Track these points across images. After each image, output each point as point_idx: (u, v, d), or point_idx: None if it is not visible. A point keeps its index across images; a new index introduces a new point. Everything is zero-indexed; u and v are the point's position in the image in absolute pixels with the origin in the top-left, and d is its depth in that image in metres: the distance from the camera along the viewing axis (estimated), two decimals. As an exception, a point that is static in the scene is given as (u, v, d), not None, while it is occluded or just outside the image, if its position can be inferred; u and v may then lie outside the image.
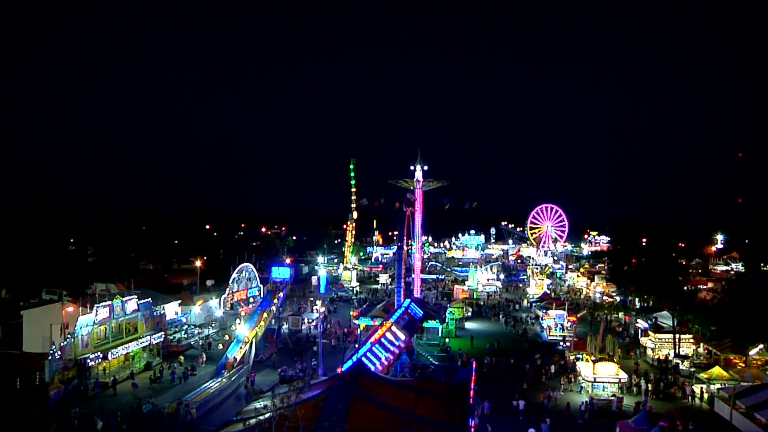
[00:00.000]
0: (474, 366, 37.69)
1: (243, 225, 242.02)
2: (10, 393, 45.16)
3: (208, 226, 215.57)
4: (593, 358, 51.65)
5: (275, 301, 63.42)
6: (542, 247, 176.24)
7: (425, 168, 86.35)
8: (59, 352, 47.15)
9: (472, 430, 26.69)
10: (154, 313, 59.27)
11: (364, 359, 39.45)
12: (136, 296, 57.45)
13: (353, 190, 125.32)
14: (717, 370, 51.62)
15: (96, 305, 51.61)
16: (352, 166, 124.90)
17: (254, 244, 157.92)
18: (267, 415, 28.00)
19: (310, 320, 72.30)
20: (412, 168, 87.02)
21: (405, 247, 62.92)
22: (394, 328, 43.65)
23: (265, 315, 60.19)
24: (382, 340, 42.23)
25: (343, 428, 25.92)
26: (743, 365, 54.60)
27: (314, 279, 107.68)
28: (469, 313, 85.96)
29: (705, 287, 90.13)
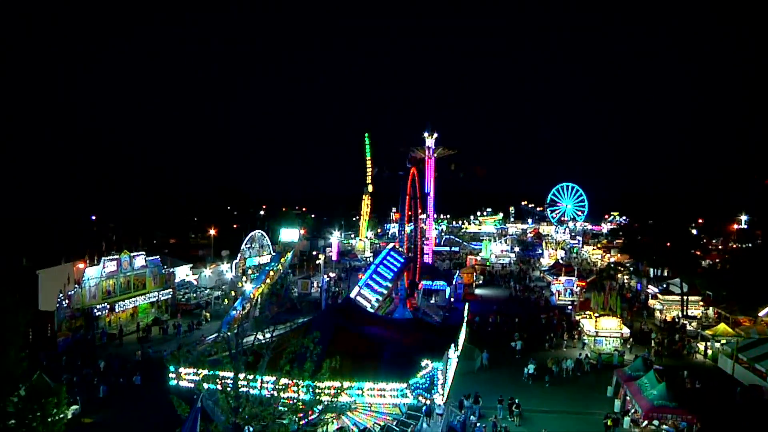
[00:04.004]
0: (466, 306, 37.79)
1: (264, 207, 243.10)
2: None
3: (228, 207, 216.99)
4: (596, 314, 51.35)
5: (283, 260, 64.13)
6: (560, 225, 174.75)
7: (436, 136, 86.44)
8: (66, 301, 48.29)
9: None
10: (163, 270, 60.19)
11: (358, 297, 39.95)
12: (144, 252, 58.38)
13: (368, 163, 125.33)
14: (722, 327, 51.11)
15: (103, 258, 52.66)
16: (366, 140, 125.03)
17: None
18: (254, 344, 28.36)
19: (320, 284, 72.92)
20: (423, 136, 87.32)
21: (408, 216, 63.25)
22: (379, 269, 44.47)
23: (271, 273, 60.91)
24: (369, 280, 42.99)
25: (324, 351, 26.17)
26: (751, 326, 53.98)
27: (327, 250, 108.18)
28: (481, 281, 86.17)
29: (719, 260, 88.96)
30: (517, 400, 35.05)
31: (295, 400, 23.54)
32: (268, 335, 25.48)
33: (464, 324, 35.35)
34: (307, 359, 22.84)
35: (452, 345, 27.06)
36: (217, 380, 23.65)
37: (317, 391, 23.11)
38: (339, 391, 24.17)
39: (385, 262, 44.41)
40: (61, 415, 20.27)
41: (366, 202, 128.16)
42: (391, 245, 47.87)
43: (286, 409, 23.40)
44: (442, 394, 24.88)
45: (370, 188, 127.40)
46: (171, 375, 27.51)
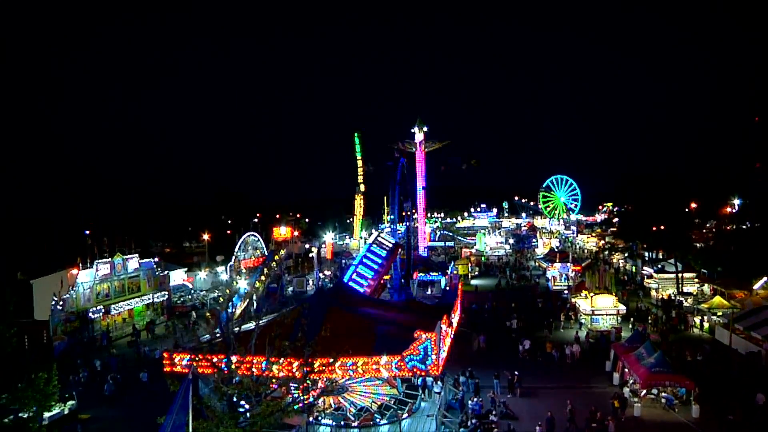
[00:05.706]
0: (460, 287, 37.75)
1: (258, 215, 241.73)
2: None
3: (222, 217, 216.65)
4: (592, 293, 51.38)
5: (277, 258, 64.03)
6: (554, 217, 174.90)
7: (425, 129, 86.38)
8: (61, 304, 48.10)
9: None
10: (157, 273, 59.94)
11: (351, 283, 39.81)
12: (137, 255, 58.14)
13: (359, 163, 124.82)
14: (717, 299, 51.31)
15: (96, 261, 52.45)
16: (357, 140, 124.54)
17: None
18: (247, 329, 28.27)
19: (315, 281, 72.85)
20: (412, 130, 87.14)
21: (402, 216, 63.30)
22: (372, 248, 44.37)
23: (266, 270, 60.82)
24: (363, 260, 42.86)
25: (317, 329, 26.12)
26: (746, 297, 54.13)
27: (322, 250, 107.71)
28: (476, 272, 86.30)
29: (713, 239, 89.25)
30: (517, 373, 35.13)
31: (287, 377, 23.55)
32: (257, 322, 25.53)
33: (458, 303, 35.19)
34: (298, 333, 22.81)
35: (446, 316, 26.93)
36: (211, 361, 23.67)
37: (308, 369, 22.98)
38: (332, 365, 24.08)
39: (364, 260, 42.69)
40: (53, 391, 20.13)
41: (359, 203, 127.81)
42: (372, 238, 47.52)
43: (277, 386, 23.37)
44: (438, 366, 24.73)
45: (363, 188, 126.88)
46: (165, 362, 27.38)
